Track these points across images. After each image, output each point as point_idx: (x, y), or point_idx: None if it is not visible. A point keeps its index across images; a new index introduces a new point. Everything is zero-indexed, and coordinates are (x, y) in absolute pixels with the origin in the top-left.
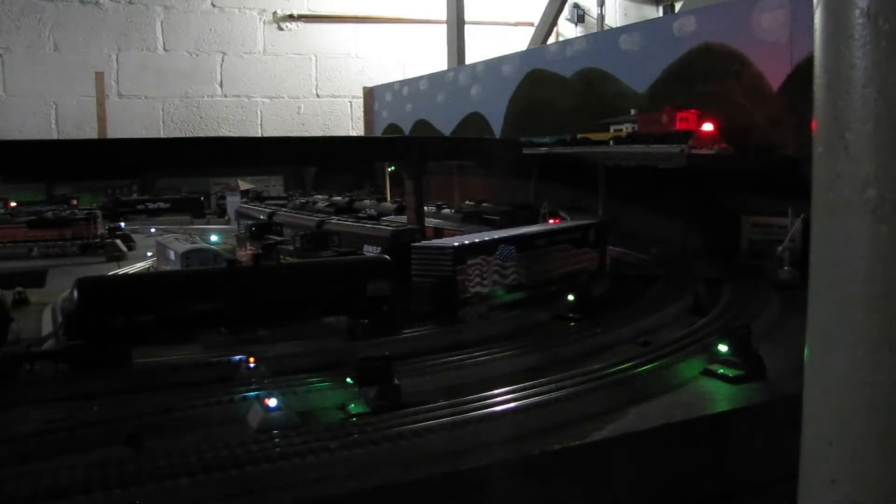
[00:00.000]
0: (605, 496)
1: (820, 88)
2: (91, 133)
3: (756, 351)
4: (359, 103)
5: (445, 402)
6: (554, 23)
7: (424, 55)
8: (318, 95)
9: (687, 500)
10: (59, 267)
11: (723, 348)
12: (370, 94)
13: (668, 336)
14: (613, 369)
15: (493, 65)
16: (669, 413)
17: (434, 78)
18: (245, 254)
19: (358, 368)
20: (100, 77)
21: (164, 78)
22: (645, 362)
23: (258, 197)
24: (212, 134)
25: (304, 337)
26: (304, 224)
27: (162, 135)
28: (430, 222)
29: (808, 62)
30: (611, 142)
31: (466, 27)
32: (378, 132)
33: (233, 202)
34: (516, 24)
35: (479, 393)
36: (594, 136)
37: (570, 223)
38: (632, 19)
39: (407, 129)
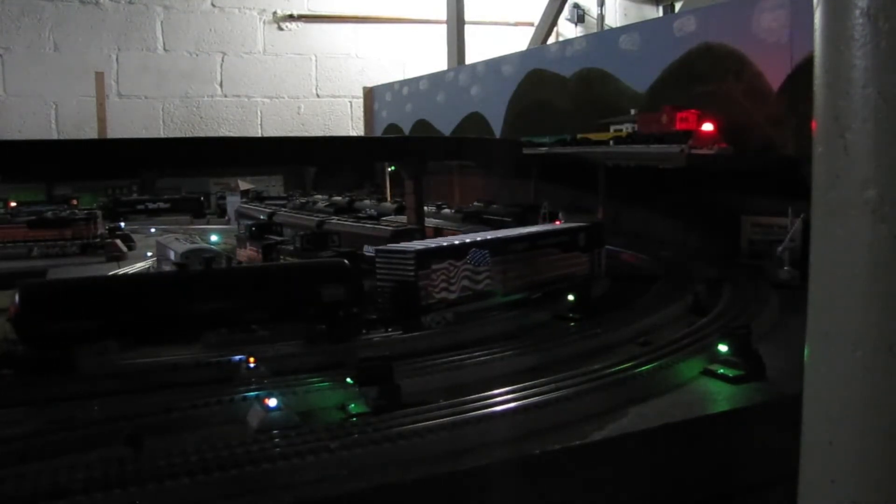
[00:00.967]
0: (606, 496)
1: (820, 88)
2: (91, 133)
3: (756, 351)
4: (359, 103)
5: (445, 402)
6: (554, 23)
7: (424, 55)
8: (318, 95)
9: (687, 500)
10: (59, 267)
11: (723, 348)
12: (370, 94)
13: (668, 336)
14: (613, 369)
15: (493, 65)
16: (669, 413)
17: (434, 78)
18: (245, 254)
19: (358, 368)
20: (100, 77)
21: (164, 78)
22: (645, 362)
23: (258, 197)
24: (212, 134)
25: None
26: (304, 224)
27: (162, 135)
28: (430, 222)
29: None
30: (611, 142)
31: (466, 27)
32: (378, 132)
33: (233, 202)
34: (516, 24)
35: (479, 393)
36: (594, 136)
37: (555, 226)
38: (632, 19)
39: (407, 129)
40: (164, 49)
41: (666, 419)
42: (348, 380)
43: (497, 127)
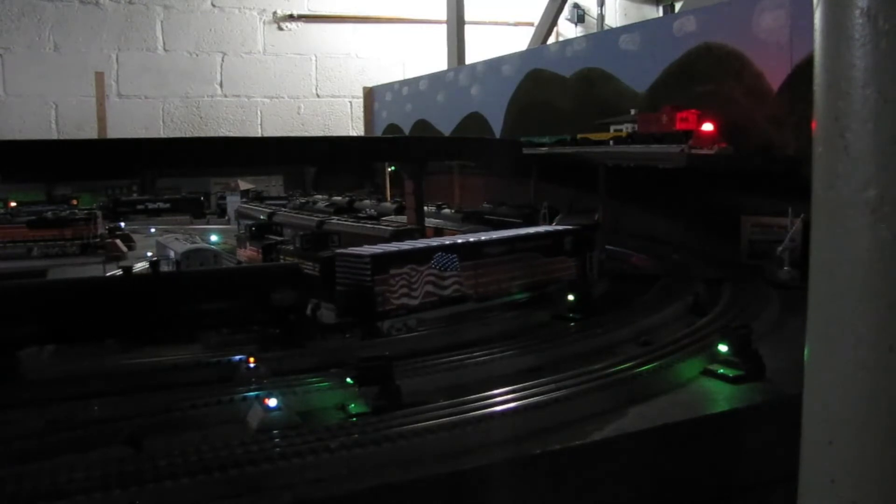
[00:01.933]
0: (606, 496)
1: (820, 88)
2: (91, 133)
3: (756, 351)
4: (359, 103)
5: (445, 402)
6: (554, 23)
7: (424, 55)
8: (318, 95)
9: (687, 500)
10: (58, 267)
11: (723, 348)
12: (370, 94)
13: (669, 336)
14: (613, 369)
15: (493, 65)
16: (669, 413)
17: (434, 78)
18: (245, 254)
19: (358, 368)
20: (100, 77)
21: (164, 78)
22: (645, 362)
23: (258, 197)
24: (212, 134)
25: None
26: (304, 224)
27: (162, 135)
28: (430, 222)
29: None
30: (611, 142)
31: (466, 27)
32: (378, 132)
33: (233, 202)
34: (516, 24)
35: (479, 393)
36: (594, 136)
37: (536, 230)
38: (632, 19)
39: (407, 129)
40: (164, 49)
41: (666, 419)
42: (348, 380)
43: (497, 127)
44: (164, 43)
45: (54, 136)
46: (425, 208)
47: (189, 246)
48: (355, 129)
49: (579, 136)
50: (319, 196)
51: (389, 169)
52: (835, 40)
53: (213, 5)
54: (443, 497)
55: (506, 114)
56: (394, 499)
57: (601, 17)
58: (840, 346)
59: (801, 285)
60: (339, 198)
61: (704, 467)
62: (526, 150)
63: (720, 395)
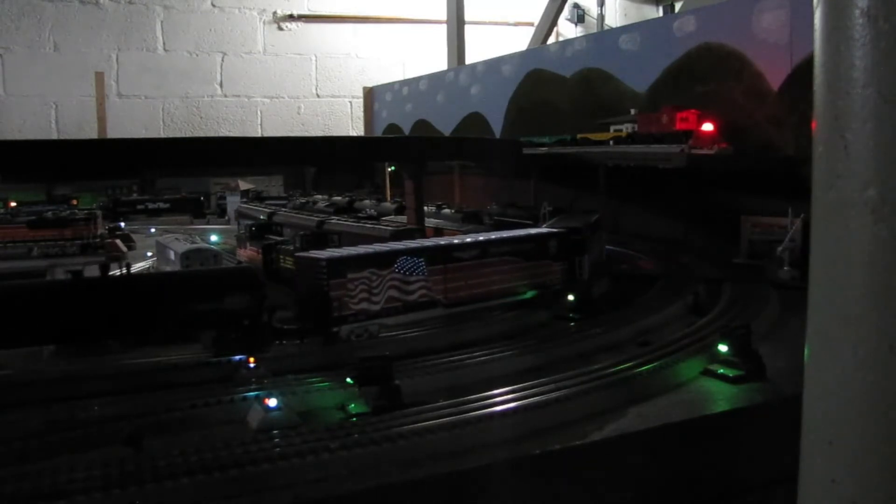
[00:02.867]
0: (606, 496)
1: (820, 88)
2: (91, 133)
3: (756, 351)
4: (359, 103)
5: (445, 402)
6: (554, 23)
7: (424, 55)
8: (318, 95)
9: (687, 500)
10: (58, 267)
11: (723, 348)
12: (370, 94)
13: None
14: (613, 369)
15: (493, 65)
16: (669, 413)
17: (434, 78)
18: (245, 254)
19: (358, 368)
20: (100, 77)
21: (164, 78)
22: (645, 362)
23: (258, 197)
24: (212, 134)
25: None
26: (304, 224)
27: (162, 135)
28: (430, 222)
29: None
30: (611, 142)
31: (466, 27)
32: (378, 132)
33: (233, 202)
34: (516, 24)
35: (479, 393)
36: (594, 136)
37: (516, 233)
38: (632, 19)
39: (407, 129)
40: (164, 49)
41: (666, 419)
42: (348, 380)
43: (497, 127)
44: (163, 43)
45: (54, 136)
46: (425, 208)
47: (189, 246)
48: (355, 129)
49: (579, 136)
50: (319, 196)
51: (389, 169)
52: (835, 40)
53: (213, 5)
54: (443, 497)
55: (506, 114)
56: (394, 499)
57: (601, 17)
58: (840, 346)
59: (801, 285)
60: (339, 198)
61: (704, 467)
62: (526, 150)
63: (720, 395)
